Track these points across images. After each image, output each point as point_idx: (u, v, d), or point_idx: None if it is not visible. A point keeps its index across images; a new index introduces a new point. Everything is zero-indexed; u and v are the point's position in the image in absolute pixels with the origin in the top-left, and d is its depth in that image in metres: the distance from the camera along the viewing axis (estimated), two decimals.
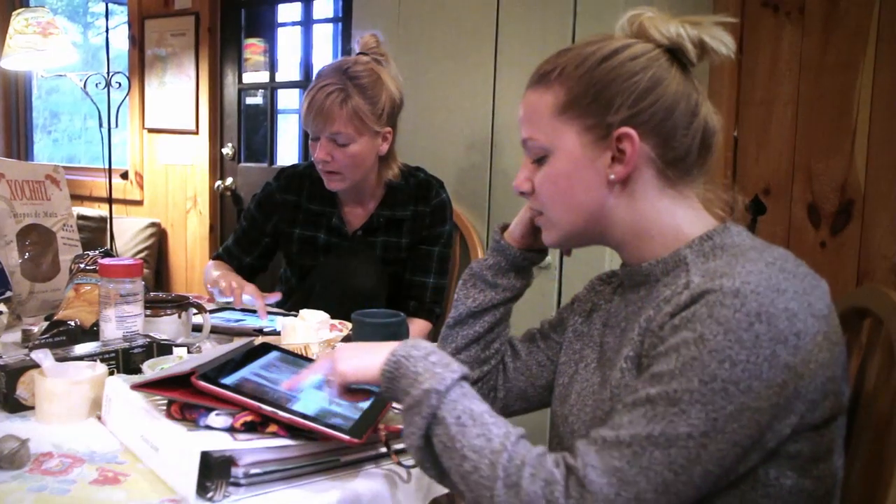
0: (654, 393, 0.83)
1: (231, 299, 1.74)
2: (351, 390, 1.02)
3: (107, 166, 3.68)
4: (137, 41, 3.97)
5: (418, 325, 1.95)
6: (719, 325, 0.81)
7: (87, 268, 1.52)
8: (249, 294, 1.76)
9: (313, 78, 1.88)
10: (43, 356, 1.12)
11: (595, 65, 0.97)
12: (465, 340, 1.20)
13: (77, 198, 4.15)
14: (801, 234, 2.22)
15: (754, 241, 0.95)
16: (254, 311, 1.79)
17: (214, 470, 0.89)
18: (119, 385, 1.07)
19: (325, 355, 1.06)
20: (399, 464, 1.00)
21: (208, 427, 0.95)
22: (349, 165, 1.86)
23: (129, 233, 3.89)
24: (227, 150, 3.73)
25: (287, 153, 3.73)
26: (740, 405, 0.80)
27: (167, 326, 1.46)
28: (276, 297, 1.81)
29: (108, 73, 3.65)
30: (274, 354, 1.18)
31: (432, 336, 2.01)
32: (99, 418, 1.11)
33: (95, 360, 1.20)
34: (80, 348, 1.25)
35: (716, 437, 0.81)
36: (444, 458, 0.89)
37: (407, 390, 0.92)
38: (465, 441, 0.86)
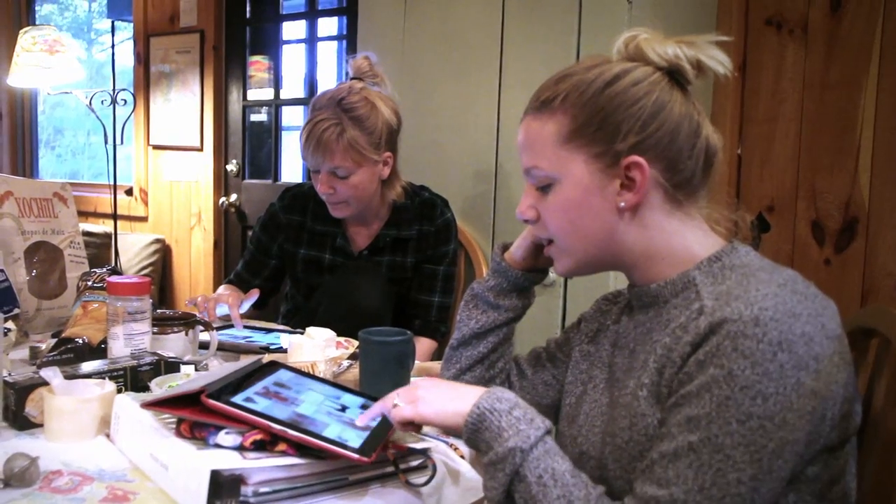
0: (695, 440, 0.82)
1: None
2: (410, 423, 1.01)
3: (112, 183, 3.69)
4: (143, 58, 3.99)
5: (424, 344, 1.95)
6: (745, 359, 0.81)
7: (95, 285, 1.52)
8: (224, 302, 1.76)
9: (309, 109, 1.89)
10: (52, 374, 1.13)
11: (598, 91, 0.96)
12: (470, 361, 1.21)
13: (82, 214, 4.14)
14: (806, 252, 2.22)
15: (762, 262, 0.95)
16: (257, 328, 1.80)
17: (224, 488, 0.89)
18: (128, 403, 1.07)
19: (405, 390, 1.03)
20: (407, 482, 1.00)
21: (218, 445, 0.95)
22: (352, 196, 1.87)
23: (133, 249, 3.89)
24: (232, 167, 3.74)
25: (291, 170, 3.74)
26: (780, 440, 0.81)
27: (174, 344, 1.46)
28: (253, 296, 1.82)
29: (113, 90, 3.67)
30: (281, 372, 1.18)
31: (437, 354, 2.02)
32: (108, 436, 1.11)
33: (104, 378, 1.20)
34: (88, 366, 1.25)
35: (765, 479, 0.81)
36: None
37: (490, 444, 0.92)
38: (546, 502, 0.87)
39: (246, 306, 1.81)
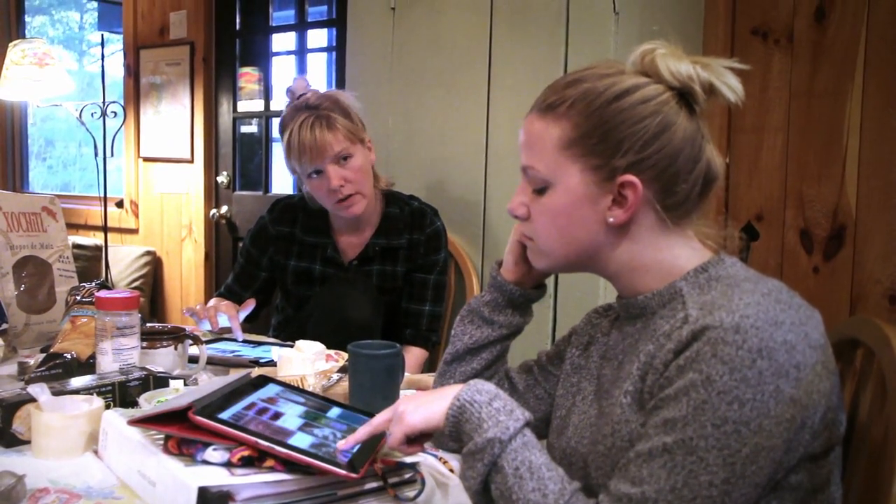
0: (670, 442, 0.83)
1: (209, 325, 1.75)
2: (409, 441, 1.00)
3: (102, 195, 3.68)
4: (133, 70, 3.99)
5: (415, 354, 1.95)
6: (724, 365, 0.82)
7: (84, 300, 1.52)
8: (223, 312, 1.77)
9: (280, 127, 1.94)
10: (39, 390, 1.12)
11: (605, 104, 0.96)
12: (463, 377, 1.20)
13: (72, 226, 4.14)
14: (795, 260, 2.23)
15: (748, 272, 0.96)
16: (248, 341, 1.80)
17: None
18: (116, 419, 1.07)
19: (389, 417, 1.02)
20: (396, 497, 1.00)
21: (205, 462, 0.95)
22: (360, 180, 1.90)
23: (124, 261, 3.89)
24: (222, 179, 3.74)
25: (282, 181, 3.74)
26: (755, 446, 0.81)
27: (163, 358, 1.46)
28: (250, 305, 1.83)
29: (103, 102, 3.67)
30: (270, 387, 1.18)
31: (428, 364, 2.02)
32: (96, 453, 1.11)
33: (92, 394, 1.20)
34: (77, 381, 1.25)
35: (737, 483, 0.81)
36: None
37: (470, 435, 0.93)
38: (521, 494, 0.88)
39: (243, 316, 1.81)
